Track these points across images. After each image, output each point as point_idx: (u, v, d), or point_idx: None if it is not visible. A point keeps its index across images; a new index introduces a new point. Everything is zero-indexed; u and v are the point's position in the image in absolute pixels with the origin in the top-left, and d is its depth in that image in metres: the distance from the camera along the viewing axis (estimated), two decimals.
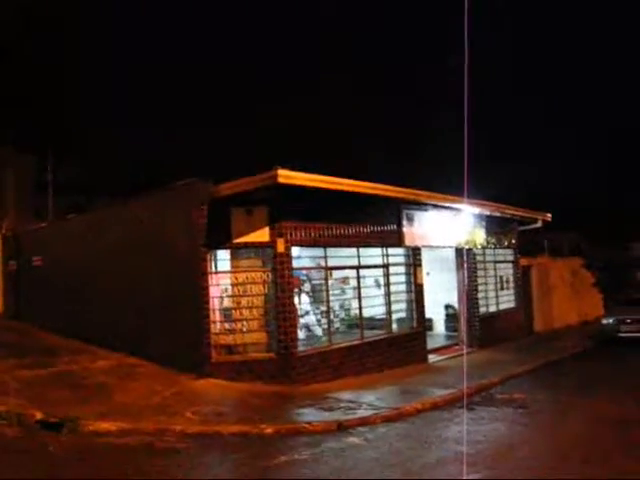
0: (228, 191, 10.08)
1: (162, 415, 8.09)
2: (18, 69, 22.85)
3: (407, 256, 13.68)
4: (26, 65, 23.22)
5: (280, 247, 10.37)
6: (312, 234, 10.95)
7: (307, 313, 13.74)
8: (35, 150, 22.28)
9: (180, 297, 10.79)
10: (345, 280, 15.41)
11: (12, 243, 18.59)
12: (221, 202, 10.33)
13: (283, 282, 10.36)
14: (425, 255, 15.16)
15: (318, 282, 12.31)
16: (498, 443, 7.46)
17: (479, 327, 15.80)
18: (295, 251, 10.84)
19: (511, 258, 18.66)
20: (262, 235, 10.43)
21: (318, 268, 11.83)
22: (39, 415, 7.81)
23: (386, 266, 12.99)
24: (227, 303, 10.55)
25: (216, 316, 10.42)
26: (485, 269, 16.78)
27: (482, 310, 16.29)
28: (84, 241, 14.18)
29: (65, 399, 8.68)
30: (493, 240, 17.26)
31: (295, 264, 10.77)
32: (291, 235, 10.54)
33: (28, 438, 7.25)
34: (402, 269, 13.61)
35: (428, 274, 17.97)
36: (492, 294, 17.19)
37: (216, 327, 10.40)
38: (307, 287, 14.54)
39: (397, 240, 13.17)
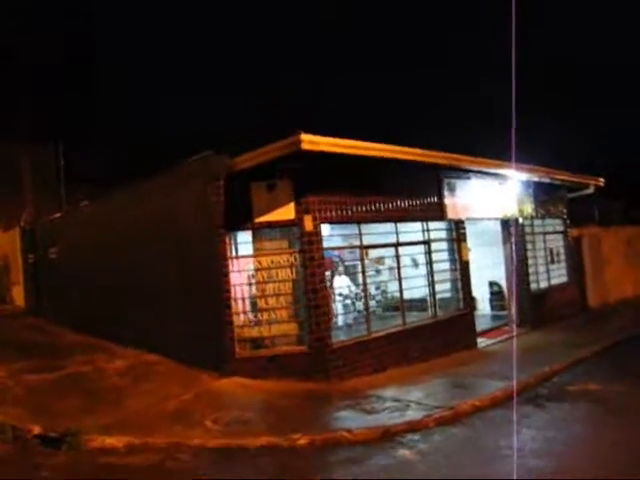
0: (246, 164, 8.81)
1: (178, 425, 6.95)
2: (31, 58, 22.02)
3: (450, 230, 12.24)
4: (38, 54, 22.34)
5: (308, 225, 9.07)
6: (344, 209, 9.61)
7: (343, 298, 12.50)
8: (53, 139, 21.47)
9: (198, 286, 9.62)
10: (380, 260, 14.13)
11: (29, 236, 17.76)
12: (239, 177, 9.07)
13: (313, 265, 9.07)
14: (469, 229, 13.76)
15: (352, 263, 10.98)
16: (587, 456, 6.03)
17: (530, 305, 14.29)
18: (325, 229, 9.53)
19: (561, 229, 16.98)
20: (287, 212, 9.14)
21: (352, 247, 10.50)
22: (37, 429, 6.78)
23: (427, 242, 11.59)
24: (251, 291, 9.32)
25: (239, 306, 9.22)
26: (534, 242, 15.17)
27: (532, 287, 14.75)
28: (97, 230, 13.15)
29: (70, 408, 7.63)
30: (541, 210, 15.64)
31: (325, 244, 9.45)
32: (320, 211, 9.22)
33: (20, 457, 6.22)
34: (445, 245, 12.19)
35: (470, 250, 16.64)
36: (542, 268, 15.57)
37: (239, 319, 9.20)
38: (341, 269, 13.32)
39: (439, 213, 11.74)
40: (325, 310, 9.15)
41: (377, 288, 12.02)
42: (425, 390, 8.64)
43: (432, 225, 11.70)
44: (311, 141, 7.95)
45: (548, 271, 15.83)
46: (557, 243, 16.78)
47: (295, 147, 7.93)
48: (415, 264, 12.38)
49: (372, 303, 16.04)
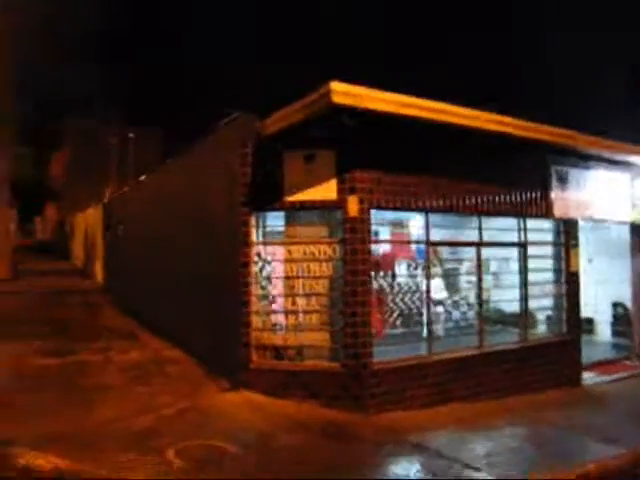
0: (276, 125, 6.96)
1: (133, 450, 5.29)
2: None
3: (557, 232, 9.55)
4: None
5: (352, 209, 7.03)
6: (404, 193, 7.44)
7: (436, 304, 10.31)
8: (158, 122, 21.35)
9: (218, 277, 7.97)
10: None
11: (108, 212, 17.36)
12: (271, 144, 7.25)
13: (355, 259, 7.02)
14: (586, 234, 10.91)
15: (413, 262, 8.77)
16: None
17: None
18: (378, 215, 7.43)
19: None
20: (327, 191, 7.15)
21: (414, 242, 8.29)
22: None
23: (523, 245, 9.02)
24: (277, 287, 7.48)
25: (260, 305, 7.42)
26: None
27: None
28: (148, 207, 12.04)
29: (32, 407, 6.31)
30: None
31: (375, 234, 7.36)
32: (370, 192, 7.13)
33: None
34: (548, 250, 9.52)
35: (591, 261, 13.60)
36: None
37: (259, 320, 7.39)
38: (437, 270, 11.06)
39: (542, 209, 9.10)
40: (366, 319, 7.05)
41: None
42: (489, 443, 6.26)
43: (532, 224, 9.10)
44: (346, 92, 5.92)
45: None
46: None
47: (325, 101, 5.94)
48: (509, 271, 9.91)
49: (470, 314, 13.79)
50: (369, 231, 7.11)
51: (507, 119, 7.53)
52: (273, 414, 6.66)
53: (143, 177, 12.84)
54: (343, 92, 5.89)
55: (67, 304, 13.97)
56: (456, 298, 10.74)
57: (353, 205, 7.01)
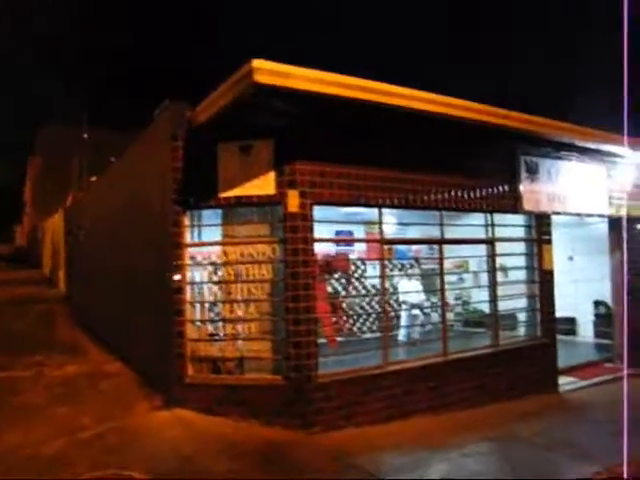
0: (206, 114, 6.26)
1: None
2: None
3: (528, 228, 8.89)
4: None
5: (292, 204, 6.33)
6: (352, 185, 6.74)
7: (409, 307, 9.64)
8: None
9: (154, 282, 7.24)
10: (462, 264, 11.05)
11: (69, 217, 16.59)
12: (204, 135, 6.54)
13: (296, 261, 6.32)
14: (565, 230, 10.34)
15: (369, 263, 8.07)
16: None
17: None
18: (323, 212, 6.73)
19: None
20: (265, 185, 6.45)
21: (366, 240, 7.60)
22: None
23: (491, 242, 8.36)
24: (212, 293, 6.76)
25: (194, 313, 6.70)
26: None
27: None
28: (99, 210, 11.31)
29: None
30: None
31: (319, 232, 6.63)
32: (313, 185, 6.43)
33: None
34: (520, 247, 8.86)
35: (571, 258, 13.04)
36: None
37: (194, 330, 6.67)
38: (414, 270, 10.33)
39: (511, 202, 8.44)
40: (311, 327, 6.33)
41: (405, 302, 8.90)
42: (445, 466, 5.57)
43: (500, 219, 8.44)
44: (272, 71, 5.21)
45: None
46: None
47: (249, 82, 5.23)
48: (474, 271, 9.31)
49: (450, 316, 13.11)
50: (312, 229, 6.40)
51: (467, 103, 6.85)
52: (205, 435, 5.94)
53: (94, 178, 12.11)
54: (268, 70, 5.19)
55: (22, 315, 13.19)
56: (425, 301, 10.13)
57: (293, 200, 6.31)
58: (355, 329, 8.85)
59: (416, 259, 11.90)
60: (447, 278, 11.94)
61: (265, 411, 6.28)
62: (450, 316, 13.46)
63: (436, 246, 7.95)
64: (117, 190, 9.27)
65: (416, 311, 9.91)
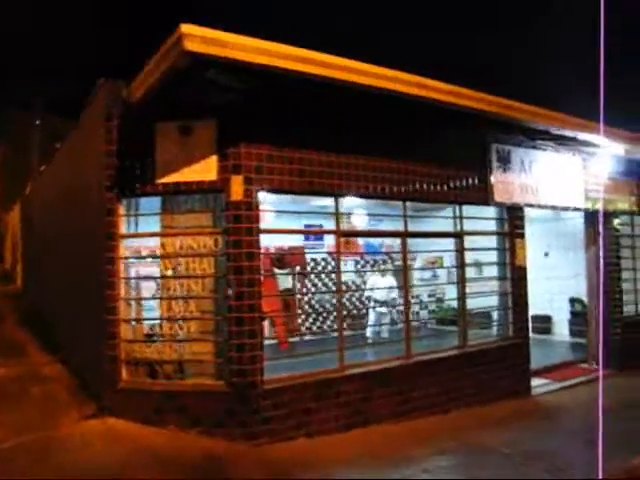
0: (140, 90, 5.60)
1: None
2: None
3: (500, 220, 8.37)
4: None
5: (236, 191, 5.71)
6: (304, 172, 6.14)
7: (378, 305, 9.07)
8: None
9: (89, 278, 6.59)
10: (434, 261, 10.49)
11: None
12: (142, 114, 5.89)
13: (240, 254, 5.71)
14: (540, 225, 9.86)
15: (322, 257, 7.48)
16: None
17: (621, 336, 9.97)
18: (273, 200, 6.12)
19: None
20: (206, 170, 5.82)
21: (320, 232, 7.00)
22: None
23: (459, 235, 7.82)
24: (149, 290, 6.12)
25: (130, 311, 6.05)
26: (634, 247, 10.73)
27: (627, 309, 10.36)
28: (48, 200, 10.58)
29: None
30: None
31: (267, 223, 6.03)
32: (259, 171, 5.82)
33: None
34: (490, 241, 8.34)
35: (547, 254, 12.66)
36: None
37: (129, 330, 6.03)
38: (387, 266, 9.66)
39: (481, 193, 7.90)
40: (255, 328, 5.73)
41: (368, 299, 8.33)
42: None
43: (469, 211, 7.90)
44: (205, 38, 4.58)
45: None
46: None
47: (179, 51, 4.59)
48: (442, 266, 8.79)
49: (424, 313, 12.60)
50: (257, 219, 5.79)
51: (432, 82, 6.26)
52: (136, 448, 5.31)
53: (43, 167, 11.38)
54: (200, 37, 4.56)
55: None
56: (398, 298, 9.57)
57: (237, 187, 5.69)
58: (315, 328, 8.24)
59: (387, 254, 11.39)
60: (420, 274, 11.64)
61: (206, 420, 5.67)
62: (424, 314, 13.06)
63: (399, 240, 7.37)
64: (60, 178, 8.58)
65: (383, 309, 9.37)
